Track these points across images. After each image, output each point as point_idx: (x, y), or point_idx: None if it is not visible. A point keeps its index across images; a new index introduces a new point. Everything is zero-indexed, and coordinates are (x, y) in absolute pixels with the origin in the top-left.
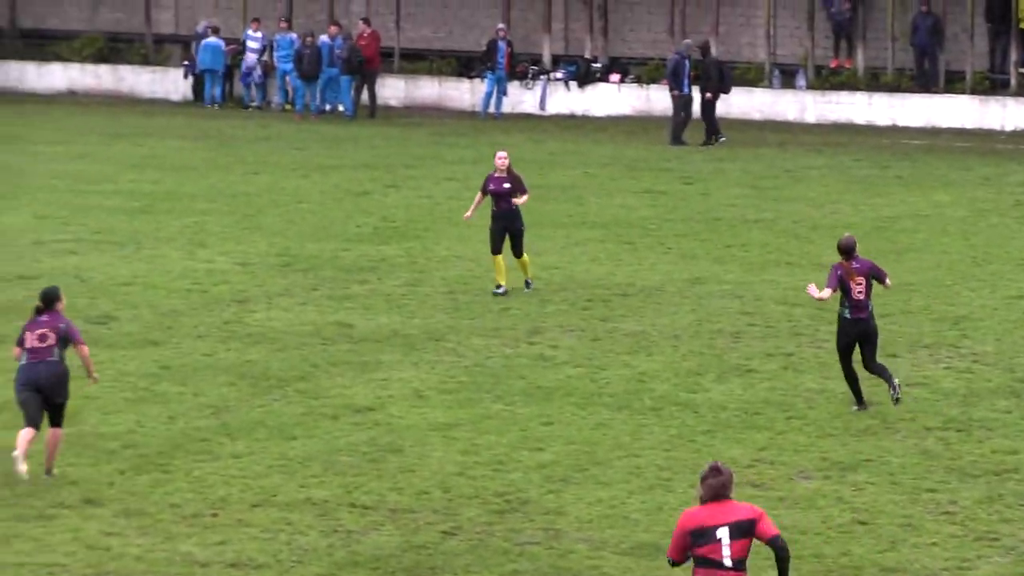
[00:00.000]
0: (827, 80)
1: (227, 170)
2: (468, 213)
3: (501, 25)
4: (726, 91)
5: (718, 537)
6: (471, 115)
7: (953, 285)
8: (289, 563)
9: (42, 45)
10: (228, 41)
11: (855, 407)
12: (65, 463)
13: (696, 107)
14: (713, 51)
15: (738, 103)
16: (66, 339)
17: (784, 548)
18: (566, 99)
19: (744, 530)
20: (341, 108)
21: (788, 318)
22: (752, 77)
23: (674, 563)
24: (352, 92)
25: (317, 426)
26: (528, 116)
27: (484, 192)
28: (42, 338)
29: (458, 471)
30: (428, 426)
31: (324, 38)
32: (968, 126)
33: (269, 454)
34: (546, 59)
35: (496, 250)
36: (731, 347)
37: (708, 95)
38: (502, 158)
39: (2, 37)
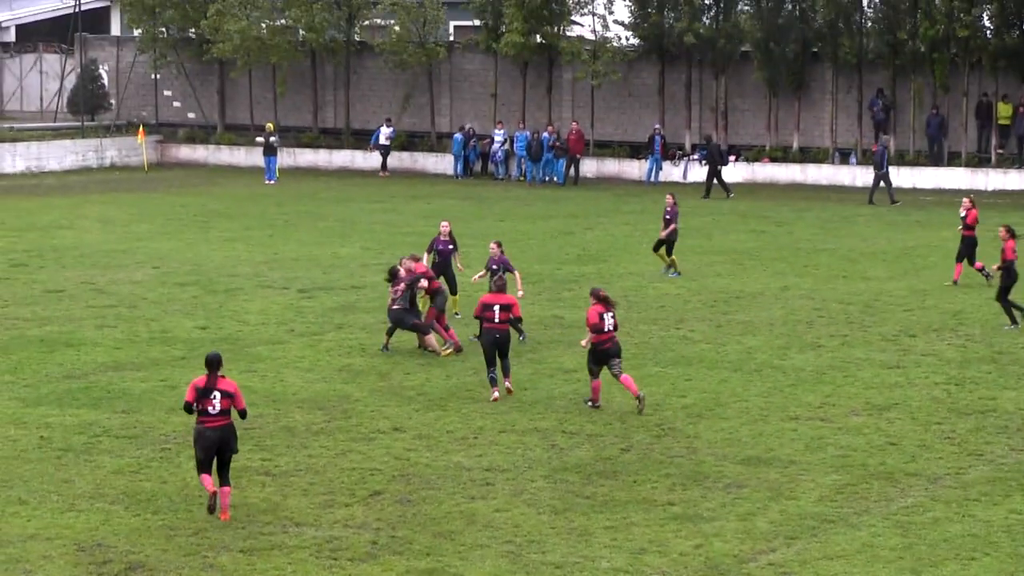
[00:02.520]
0: (868, 158)
1: (482, 218)
2: (426, 269)
3: (657, 124)
4: (725, 164)
5: (495, 310)
6: (639, 183)
7: (953, 290)
8: (523, 468)
9: (367, 139)
10: (481, 136)
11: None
12: (379, 404)
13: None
14: (724, 143)
15: (811, 174)
16: (411, 286)
17: (519, 322)
18: (700, 172)
19: (507, 308)
20: (555, 179)
21: (844, 313)
22: (820, 157)
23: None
24: (563, 169)
25: (540, 381)
26: (675, 183)
27: (431, 251)
28: (396, 292)
29: (631, 410)
30: (610, 381)
31: (544, 134)
32: (963, 187)
33: (510, 399)
34: (687, 145)
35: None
36: (807, 331)
37: (717, 167)
38: (445, 226)
39: (340, 134)
